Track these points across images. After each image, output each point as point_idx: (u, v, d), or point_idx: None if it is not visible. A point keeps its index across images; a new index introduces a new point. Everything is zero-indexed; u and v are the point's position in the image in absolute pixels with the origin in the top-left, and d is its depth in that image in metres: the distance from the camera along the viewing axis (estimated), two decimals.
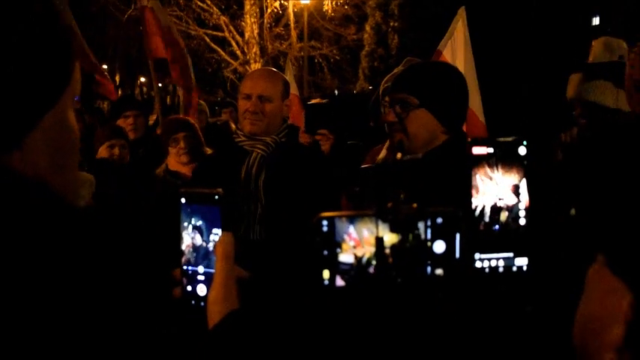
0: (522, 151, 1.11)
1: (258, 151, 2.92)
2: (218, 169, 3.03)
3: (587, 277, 0.72)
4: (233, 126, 6.07)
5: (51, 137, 0.77)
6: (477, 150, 1.10)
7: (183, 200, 1.22)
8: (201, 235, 1.21)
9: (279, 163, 2.89)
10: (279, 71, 3.26)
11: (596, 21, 24.49)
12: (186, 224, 1.22)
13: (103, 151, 3.99)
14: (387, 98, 3.09)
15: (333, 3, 21.38)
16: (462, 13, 4.87)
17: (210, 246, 1.20)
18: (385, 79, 3.29)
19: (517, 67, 19.48)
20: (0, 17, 0.68)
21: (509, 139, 1.11)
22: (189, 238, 1.23)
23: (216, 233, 1.20)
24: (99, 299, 0.80)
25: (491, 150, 1.10)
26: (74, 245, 0.76)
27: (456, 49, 4.71)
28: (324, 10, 21.48)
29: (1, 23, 0.68)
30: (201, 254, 1.22)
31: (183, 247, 1.23)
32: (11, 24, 0.69)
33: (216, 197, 1.19)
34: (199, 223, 1.21)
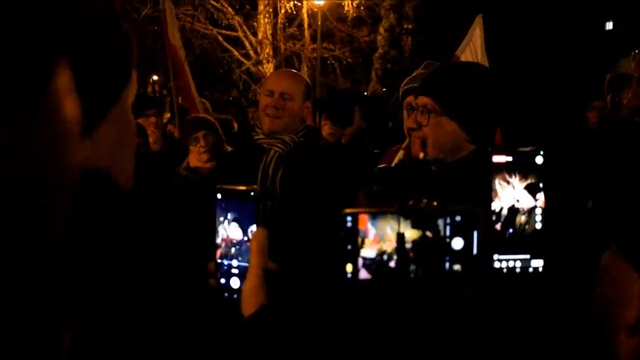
0: (539, 160, 1.17)
1: (276, 149, 2.97)
2: (236, 166, 3.09)
3: (602, 262, 0.76)
4: (235, 125, 6.10)
5: (114, 129, 0.81)
6: (497, 159, 1.17)
7: (218, 196, 1.26)
8: (242, 230, 1.25)
9: (296, 162, 2.94)
10: (302, 74, 3.35)
11: (609, 26, 24.39)
12: (221, 219, 1.26)
13: None
14: (407, 100, 3.13)
15: (354, 3, 21.37)
16: (479, 20, 4.92)
17: (246, 240, 1.25)
18: (405, 80, 3.31)
19: (526, 69, 19.50)
20: (67, 16, 0.73)
21: (528, 149, 1.18)
22: (225, 233, 1.27)
23: (252, 228, 1.24)
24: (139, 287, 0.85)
25: (510, 159, 1.16)
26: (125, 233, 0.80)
27: (475, 57, 4.75)
28: (345, 11, 21.47)
29: (71, 21, 0.73)
30: (238, 249, 1.26)
31: (219, 241, 1.27)
32: (81, 21, 0.74)
33: (252, 194, 1.24)
34: (238, 217, 1.25)
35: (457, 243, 1.06)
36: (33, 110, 0.70)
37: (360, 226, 1.04)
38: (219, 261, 1.28)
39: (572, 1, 21.63)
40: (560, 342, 1.23)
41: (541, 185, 1.17)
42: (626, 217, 0.70)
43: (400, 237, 1.04)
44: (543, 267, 1.17)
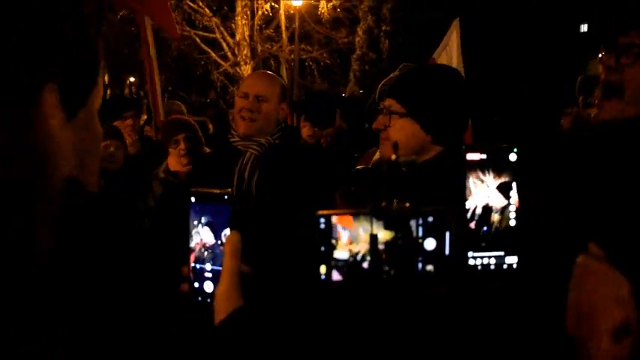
0: (513, 157, 1.19)
1: (252, 151, 2.97)
2: (212, 169, 3.09)
3: (577, 265, 0.77)
4: (210, 127, 6.08)
5: (79, 133, 0.81)
6: (471, 156, 1.18)
7: (192, 199, 1.25)
8: (214, 233, 1.25)
9: (272, 164, 2.94)
10: (278, 76, 3.35)
11: (584, 28, 24.70)
12: (195, 223, 1.26)
13: None
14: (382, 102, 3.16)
15: (329, 5, 21.39)
16: (456, 24, 4.97)
17: (220, 244, 1.25)
18: (382, 82, 3.34)
19: (512, 69, 19.78)
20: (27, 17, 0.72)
21: (501, 145, 1.19)
22: (199, 237, 1.27)
23: (226, 232, 1.24)
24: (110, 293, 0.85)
25: (484, 156, 1.18)
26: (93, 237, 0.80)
27: (450, 60, 4.80)
28: (319, 12, 21.49)
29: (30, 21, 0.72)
30: (212, 252, 1.26)
31: (193, 244, 1.27)
32: (38, 21, 0.74)
33: (226, 197, 1.24)
34: (211, 221, 1.25)
35: (429, 243, 1.07)
36: (30, 110, 0.71)
37: (348, 226, 1.05)
38: (193, 265, 1.28)
39: (548, 4, 21.92)
40: (538, 342, 1.25)
41: (514, 183, 1.18)
42: (613, 220, 0.71)
43: (373, 238, 1.05)
44: (518, 264, 1.19)
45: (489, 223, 1.18)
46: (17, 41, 0.69)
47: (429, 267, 1.07)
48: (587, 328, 0.73)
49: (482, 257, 1.19)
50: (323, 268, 1.05)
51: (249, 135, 3.00)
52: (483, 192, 1.18)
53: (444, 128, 2.07)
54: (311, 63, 23.66)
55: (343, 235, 1.05)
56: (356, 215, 1.05)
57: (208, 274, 1.27)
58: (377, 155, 3.32)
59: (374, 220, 1.04)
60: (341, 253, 1.05)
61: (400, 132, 2.05)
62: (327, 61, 23.55)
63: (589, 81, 3.93)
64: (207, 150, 3.95)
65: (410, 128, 2.05)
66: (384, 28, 23.10)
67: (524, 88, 18.63)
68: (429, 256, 1.07)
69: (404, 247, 1.05)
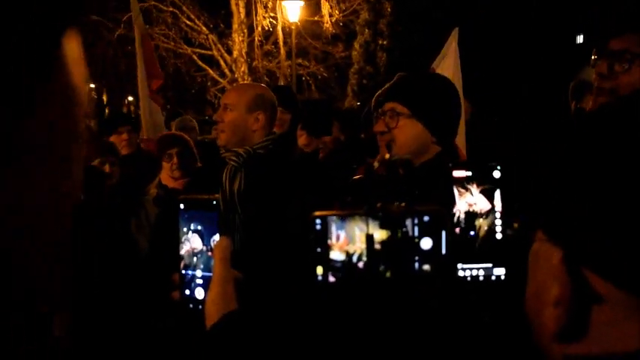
0: (497, 174, 1.23)
1: (230, 161, 2.97)
2: (206, 181, 3.10)
3: (531, 251, 0.76)
4: None
5: None
6: (457, 173, 1.22)
7: (181, 206, 1.25)
8: (202, 240, 1.25)
9: (255, 174, 2.92)
10: (261, 85, 3.35)
11: (580, 39, 24.84)
12: (185, 230, 1.25)
13: None
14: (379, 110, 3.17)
15: (332, 19, 21.45)
16: (455, 34, 4.97)
17: (209, 250, 1.24)
18: (378, 92, 3.36)
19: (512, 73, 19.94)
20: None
21: (486, 163, 1.23)
22: (189, 244, 1.26)
23: (215, 238, 1.24)
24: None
25: (469, 173, 1.22)
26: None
27: (448, 69, 4.80)
28: (324, 27, 21.56)
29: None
30: (201, 259, 1.26)
31: (183, 252, 1.27)
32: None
33: (214, 203, 1.23)
34: (199, 227, 1.25)
35: (426, 243, 1.07)
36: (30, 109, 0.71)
37: (330, 229, 1.04)
38: (183, 272, 1.27)
39: (545, 16, 22.12)
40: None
41: (497, 194, 1.22)
42: (554, 200, 0.71)
43: (369, 238, 1.05)
44: (505, 275, 1.22)
45: (475, 228, 1.22)
46: (17, 41, 0.69)
47: (426, 266, 1.07)
48: (537, 307, 0.73)
49: (471, 269, 1.21)
50: (320, 269, 1.05)
51: (225, 145, 3.00)
52: (466, 200, 1.22)
53: (447, 128, 2.15)
54: (308, 78, 23.70)
55: (340, 235, 1.05)
56: (352, 216, 1.05)
57: (199, 281, 1.26)
58: (376, 166, 3.33)
59: (370, 220, 1.04)
60: (337, 254, 1.04)
61: (405, 133, 2.09)
62: (324, 74, 23.59)
63: (581, 86, 3.95)
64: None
65: (415, 129, 2.10)
66: (380, 42, 23.23)
67: (524, 87, 18.84)
68: (425, 256, 1.07)
69: (400, 246, 1.05)
